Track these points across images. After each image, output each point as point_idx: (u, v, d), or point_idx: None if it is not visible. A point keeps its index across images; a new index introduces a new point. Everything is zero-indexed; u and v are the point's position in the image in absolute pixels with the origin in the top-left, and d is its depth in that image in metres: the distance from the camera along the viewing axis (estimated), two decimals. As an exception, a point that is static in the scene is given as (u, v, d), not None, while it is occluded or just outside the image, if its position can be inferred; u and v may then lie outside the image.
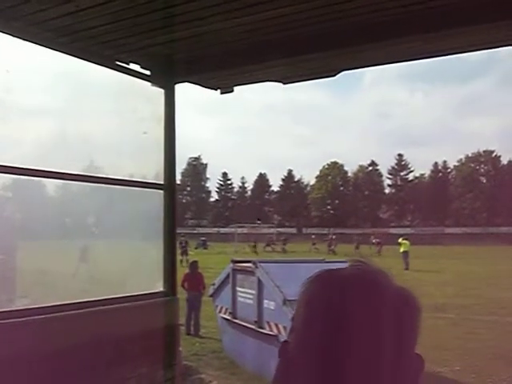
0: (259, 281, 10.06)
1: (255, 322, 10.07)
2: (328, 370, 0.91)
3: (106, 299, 4.85)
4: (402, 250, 35.87)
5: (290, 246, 58.09)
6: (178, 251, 35.25)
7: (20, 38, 4.23)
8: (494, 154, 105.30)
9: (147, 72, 5.42)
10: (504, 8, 3.95)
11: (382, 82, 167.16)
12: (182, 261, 29.14)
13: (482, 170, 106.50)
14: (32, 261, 5.08)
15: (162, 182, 5.52)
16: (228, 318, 11.45)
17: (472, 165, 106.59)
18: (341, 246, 56.14)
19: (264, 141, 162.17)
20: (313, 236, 63.94)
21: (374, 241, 52.97)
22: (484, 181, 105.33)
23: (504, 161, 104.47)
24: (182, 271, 14.63)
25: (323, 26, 4.35)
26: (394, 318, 0.93)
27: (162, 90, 5.55)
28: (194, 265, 15.18)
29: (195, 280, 14.28)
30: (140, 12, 4.08)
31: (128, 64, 5.25)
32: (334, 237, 58.26)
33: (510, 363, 10.71)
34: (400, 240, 37.04)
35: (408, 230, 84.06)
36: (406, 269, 33.35)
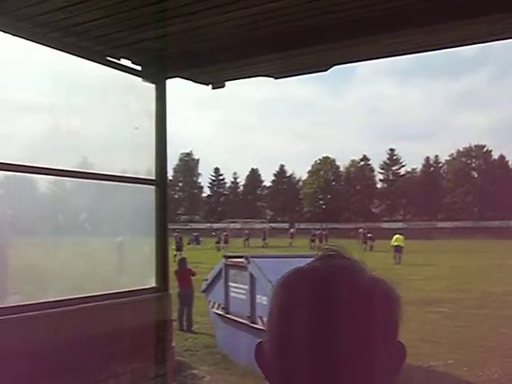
0: (252, 276, 10.06)
1: (248, 317, 10.06)
2: (306, 370, 0.90)
3: (97, 295, 4.85)
4: (396, 244, 35.90)
5: (273, 241, 58.17)
6: (173, 247, 35.55)
7: (9, 33, 4.21)
8: (485, 149, 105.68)
9: (138, 67, 5.41)
10: (496, 2, 3.96)
11: (375, 77, 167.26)
12: (176, 255, 29.27)
13: (474, 165, 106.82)
14: (24, 257, 5.06)
15: (153, 178, 5.51)
16: (221, 313, 11.45)
17: (463, 159, 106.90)
18: (331, 240, 56.29)
19: (256, 136, 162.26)
20: (291, 230, 64.29)
21: (360, 231, 52.95)
22: (475, 175, 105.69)
23: (495, 155, 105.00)
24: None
25: (315, 20, 4.34)
26: (370, 310, 0.91)
27: (153, 86, 5.54)
28: (182, 262, 15.26)
29: (184, 276, 14.33)
30: (130, 7, 4.07)
31: (119, 59, 5.24)
32: (323, 232, 58.22)
33: (501, 356, 10.77)
34: (396, 236, 37.06)
35: (400, 225, 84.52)
36: (398, 263, 33.45)
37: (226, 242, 52.45)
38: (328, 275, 0.94)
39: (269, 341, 0.97)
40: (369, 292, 0.92)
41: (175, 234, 41.27)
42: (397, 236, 36.79)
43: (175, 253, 32.97)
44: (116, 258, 5.92)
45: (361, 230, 53.80)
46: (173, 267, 13.77)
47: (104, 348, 4.70)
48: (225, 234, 55.77)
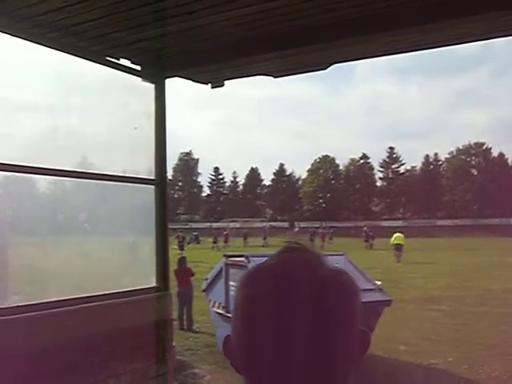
0: (252, 275, 10.08)
1: (248, 316, 10.08)
2: (268, 361, 0.94)
3: (98, 295, 4.85)
4: (396, 242, 35.92)
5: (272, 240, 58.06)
6: (176, 246, 35.78)
7: (8, 33, 4.21)
8: (484, 147, 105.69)
9: (137, 67, 5.41)
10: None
11: (374, 75, 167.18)
12: (179, 255, 29.45)
13: (473, 163, 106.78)
14: (24, 257, 5.07)
15: (153, 178, 5.51)
16: (221, 312, 11.46)
17: (463, 157, 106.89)
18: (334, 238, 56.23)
19: (255, 135, 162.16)
20: (296, 229, 64.06)
21: (365, 229, 52.68)
22: (475, 173, 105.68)
23: (495, 153, 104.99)
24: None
25: (314, 19, 4.35)
26: (327, 301, 0.94)
27: (152, 85, 5.54)
28: (182, 261, 15.26)
29: (184, 275, 14.33)
30: (129, 6, 4.07)
31: (118, 59, 5.24)
32: (324, 231, 58.03)
33: (501, 353, 10.78)
34: (396, 234, 37.06)
35: (400, 223, 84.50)
36: (399, 261, 33.47)
37: (226, 241, 52.19)
38: (287, 269, 0.98)
39: (233, 334, 1.02)
40: (326, 284, 0.96)
41: (178, 234, 41.61)
42: (397, 234, 36.82)
43: (178, 252, 33.19)
44: (130, 258, 5.95)
45: (365, 229, 53.55)
46: (175, 267, 13.83)
47: (104, 347, 4.71)
48: (225, 233, 55.63)
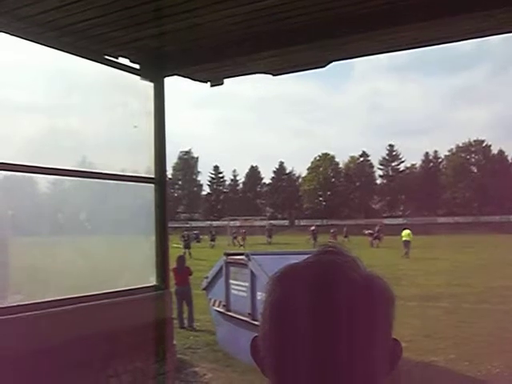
0: (252, 273, 10.04)
1: (249, 314, 10.04)
2: (299, 367, 0.91)
3: (98, 294, 4.85)
4: (404, 238, 36.78)
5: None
6: (177, 244, 35.94)
7: (6, 32, 4.21)
8: (484, 144, 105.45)
9: (136, 66, 5.41)
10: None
11: (373, 73, 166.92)
12: (185, 253, 29.79)
13: (473, 160, 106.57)
14: (24, 257, 5.06)
15: (152, 176, 5.51)
16: (222, 310, 11.45)
17: (463, 154, 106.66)
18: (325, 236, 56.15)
19: (255, 133, 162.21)
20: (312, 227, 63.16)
21: (377, 229, 51.94)
22: (475, 170, 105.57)
23: (494, 150, 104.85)
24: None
25: (312, 17, 4.34)
26: (365, 308, 0.91)
27: (151, 84, 5.54)
28: (181, 259, 15.23)
29: (183, 274, 14.32)
30: (128, 5, 4.07)
31: (117, 58, 5.24)
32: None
33: (501, 351, 10.75)
34: (405, 231, 38.08)
35: (400, 221, 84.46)
36: (406, 255, 34.54)
37: (241, 239, 50.92)
38: (323, 272, 0.94)
39: (262, 335, 0.98)
40: (364, 289, 0.93)
41: (184, 233, 41.84)
42: (405, 231, 37.77)
43: (184, 250, 33.57)
44: (130, 257, 5.95)
45: (377, 228, 52.44)
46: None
47: (104, 347, 4.70)
48: (243, 231, 54.97)
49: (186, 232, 42.47)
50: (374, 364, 0.91)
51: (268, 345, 0.96)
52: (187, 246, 37.80)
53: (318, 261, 0.98)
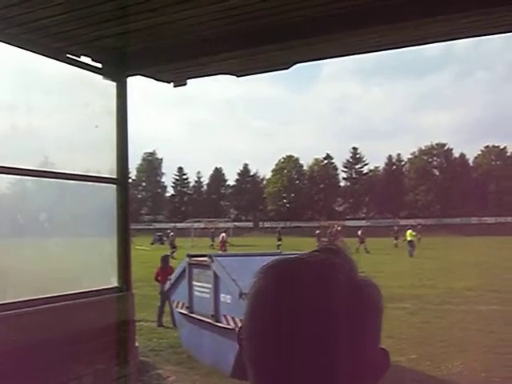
0: (215, 274, 10.02)
1: (212, 315, 10.03)
2: (274, 364, 0.88)
3: (59, 296, 4.78)
4: (408, 239, 39.11)
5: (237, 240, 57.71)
6: (140, 246, 36.77)
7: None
8: (446, 147, 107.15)
9: (99, 65, 5.35)
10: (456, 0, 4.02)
11: (338, 76, 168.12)
12: (172, 253, 31.08)
13: (435, 163, 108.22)
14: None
15: (115, 177, 5.46)
16: (185, 312, 11.40)
17: (425, 157, 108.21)
18: (296, 239, 56.38)
19: (220, 135, 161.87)
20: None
21: (359, 234, 50.57)
22: (437, 173, 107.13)
23: (456, 154, 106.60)
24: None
25: (276, 18, 4.35)
26: (348, 313, 0.88)
27: (113, 83, 5.49)
28: (165, 259, 15.36)
29: (166, 273, 14.41)
30: (91, 3, 4.02)
31: (79, 57, 5.17)
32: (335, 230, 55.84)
33: (462, 350, 10.95)
34: (409, 231, 40.36)
35: (363, 223, 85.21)
36: (411, 256, 36.42)
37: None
38: (310, 268, 0.92)
39: (243, 329, 0.96)
40: (351, 293, 0.91)
41: (170, 234, 43.26)
42: (409, 231, 40.21)
43: (171, 250, 35.75)
44: (91, 258, 5.88)
45: (359, 232, 50.60)
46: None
47: (65, 349, 4.64)
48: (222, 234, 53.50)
49: (171, 233, 44.07)
50: (356, 369, 0.89)
51: (245, 335, 0.95)
52: (173, 246, 39.21)
53: (309, 257, 0.96)
